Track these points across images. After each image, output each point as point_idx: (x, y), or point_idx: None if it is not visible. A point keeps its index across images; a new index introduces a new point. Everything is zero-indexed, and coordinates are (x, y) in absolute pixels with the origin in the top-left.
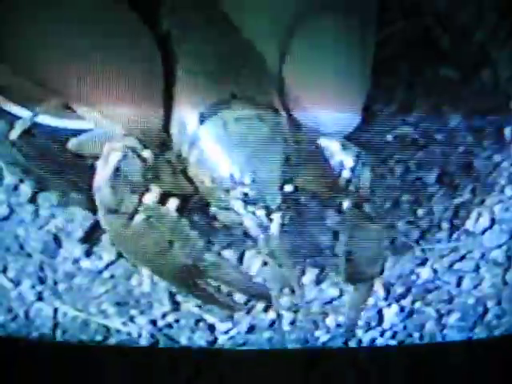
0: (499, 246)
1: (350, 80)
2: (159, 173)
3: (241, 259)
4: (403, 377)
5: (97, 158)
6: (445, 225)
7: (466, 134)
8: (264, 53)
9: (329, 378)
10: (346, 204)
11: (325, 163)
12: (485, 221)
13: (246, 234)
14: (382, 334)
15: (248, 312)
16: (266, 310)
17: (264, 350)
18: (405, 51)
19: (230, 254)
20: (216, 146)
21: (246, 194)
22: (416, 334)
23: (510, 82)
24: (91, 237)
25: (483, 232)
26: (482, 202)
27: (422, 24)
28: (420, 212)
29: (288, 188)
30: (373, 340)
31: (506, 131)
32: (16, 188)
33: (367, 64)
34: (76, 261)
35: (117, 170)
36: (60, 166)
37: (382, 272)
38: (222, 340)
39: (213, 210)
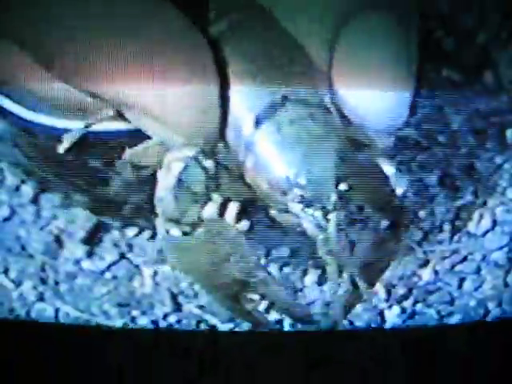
0: (500, 248)
1: (397, 76)
2: (219, 181)
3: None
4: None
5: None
6: (446, 227)
7: (467, 135)
8: (311, 52)
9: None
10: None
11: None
12: (486, 223)
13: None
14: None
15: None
16: (267, 311)
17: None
18: None
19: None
20: (271, 149)
21: (302, 196)
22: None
23: None
24: (93, 238)
25: (485, 234)
26: (484, 203)
27: (424, 26)
28: (422, 214)
29: (343, 186)
30: (373, 342)
31: (508, 133)
32: (18, 189)
33: (414, 60)
34: (77, 261)
35: (179, 180)
36: (62, 167)
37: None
38: (224, 340)
39: (272, 213)
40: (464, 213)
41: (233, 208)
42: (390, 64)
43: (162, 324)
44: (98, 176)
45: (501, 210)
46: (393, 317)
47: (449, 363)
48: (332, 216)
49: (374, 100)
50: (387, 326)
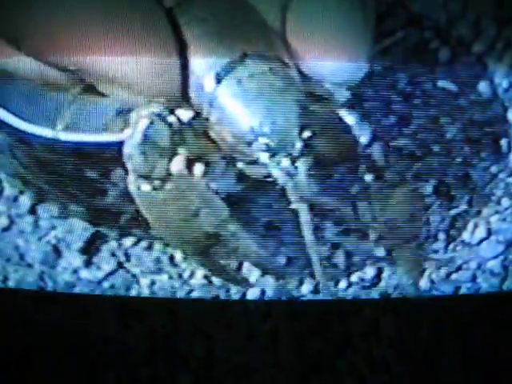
0: (495, 257)
1: (353, 31)
2: (184, 136)
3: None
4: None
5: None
6: (441, 236)
7: (462, 145)
8: (264, 10)
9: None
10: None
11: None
12: (481, 232)
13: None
14: (378, 343)
15: (246, 321)
16: (264, 319)
17: None
18: (403, 62)
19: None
20: (234, 103)
21: (267, 145)
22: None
23: (507, 93)
24: (91, 247)
25: (480, 243)
26: (479, 212)
27: (420, 36)
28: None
29: (306, 134)
30: (369, 349)
31: (503, 142)
32: (16, 199)
33: (370, 16)
34: (75, 271)
35: (145, 136)
36: (59, 178)
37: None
38: (220, 349)
39: (239, 165)
40: (459, 222)
41: (199, 167)
42: (344, 20)
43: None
44: (95, 186)
45: (496, 219)
46: (388, 325)
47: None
48: (300, 163)
49: (329, 57)
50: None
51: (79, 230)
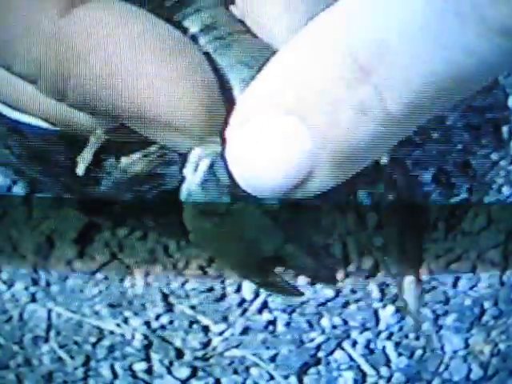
0: (495, 247)
1: None
2: None
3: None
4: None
5: None
6: (441, 224)
7: (462, 132)
8: None
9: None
10: None
11: None
12: (481, 220)
13: None
14: (377, 335)
15: (242, 313)
16: (260, 311)
17: None
18: None
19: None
20: None
21: None
22: (412, 335)
23: (508, 80)
24: (84, 238)
25: (479, 232)
26: (479, 201)
27: None
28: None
29: None
30: (368, 341)
31: (504, 129)
32: (9, 189)
33: None
34: (69, 262)
35: (208, 175)
36: (52, 167)
37: None
38: (216, 341)
39: None
40: (459, 210)
41: None
42: None
43: (154, 325)
44: (88, 176)
45: (496, 208)
46: (387, 316)
47: None
48: None
49: None
50: (382, 327)
51: (72, 220)
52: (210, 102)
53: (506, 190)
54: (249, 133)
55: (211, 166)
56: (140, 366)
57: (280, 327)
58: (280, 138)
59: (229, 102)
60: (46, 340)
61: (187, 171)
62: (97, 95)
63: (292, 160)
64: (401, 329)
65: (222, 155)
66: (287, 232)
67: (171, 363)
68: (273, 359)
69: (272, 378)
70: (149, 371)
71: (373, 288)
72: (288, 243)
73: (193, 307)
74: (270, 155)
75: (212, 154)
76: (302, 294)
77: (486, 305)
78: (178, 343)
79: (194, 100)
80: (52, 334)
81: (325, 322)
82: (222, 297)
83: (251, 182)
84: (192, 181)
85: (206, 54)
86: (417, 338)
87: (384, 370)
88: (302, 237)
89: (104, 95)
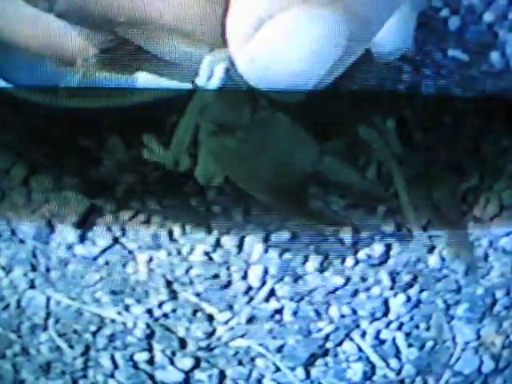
0: (508, 234)
1: None
2: None
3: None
4: None
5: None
6: None
7: (473, 117)
8: None
9: None
10: None
11: None
12: (493, 207)
13: None
14: (387, 326)
15: (248, 302)
16: (267, 299)
17: None
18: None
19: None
20: None
21: None
22: (423, 325)
23: None
24: (86, 222)
25: (492, 219)
26: (490, 187)
27: (429, 4)
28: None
29: None
30: (378, 332)
31: None
32: (8, 171)
33: None
34: (70, 247)
35: (226, 80)
36: (52, 147)
37: None
38: (221, 331)
39: None
40: (470, 197)
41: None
42: None
43: (157, 313)
44: (90, 156)
45: (508, 194)
46: (398, 305)
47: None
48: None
49: None
50: (392, 316)
51: (74, 203)
52: (217, 7)
53: None
54: (279, 27)
55: (227, 71)
56: (141, 357)
57: (287, 316)
58: (315, 29)
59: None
60: (45, 328)
61: (201, 80)
62: None
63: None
64: (411, 319)
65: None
66: (324, 143)
67: (174, 353)
68: (279, 350)
69: (278, 369)
70: (150, 362)
71: (383, 276)
72: (327, 155)
73: (197, 294)
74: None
75: (225, 59)
76: (351, 224)
77: (498, 294)
78: (181, 333)
79: (201, 4)
80: (51, 322)
81: (333, 311)
82: (228, 284)
83: (277, 77)
84: (208, 90)
85: None
86: (428, 329)
87: (394, 362)
88: (340, 148)
89: None
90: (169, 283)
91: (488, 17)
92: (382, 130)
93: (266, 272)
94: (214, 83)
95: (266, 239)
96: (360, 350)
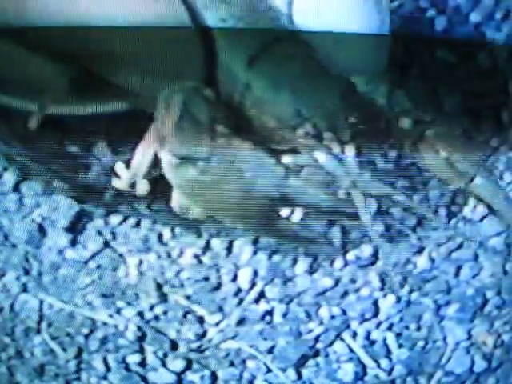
0: (498, 234)
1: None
2: (222, 114)
3: None
4: None
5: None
6: (442, 212)
7: (462, 117)
8: None
9: None
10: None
11: None
12: (483, 208)
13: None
14: (377, 326)
15: (239, 303)
16: (257, 301)
17: None
18: (400, 33)
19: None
20: (275, 85)
21: (315, 129)
22: (413, 326)
23: (507, 64)
24: (76, 226)
25: (482, 219)
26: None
27: (417, 5)
28: (416, 198)
29: (352, 119)
30: (368, 332)
31: (504, 115)
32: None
33: None
34: (61, 251)
35: (184, 111)
36: (41, 153)
37: None
38: (212, 333)
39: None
40: (460, 198)
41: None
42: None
43: (148, 316)
44: (78, 162)
45: None
46: (387, 306)
47: None
48: (349, 148)
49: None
50: (382, 317)
51: (64, 207)
52: (185, 44)
53: (507, 176)
54: None
55: (185, 102)
56: (133, 359)
57: (277, 318)
58: None
59: (206, 42)
60: (38, 331)
61: (159, 113)
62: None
63: None
64: (401, 319)
65: (197, 89)
66: (289, 165)
67: (165, 355)
68: (270, 351)
69: (269, 370)
70: (142, 364)
71: (373, 277)
72: (292, 177)
73: (188, 297)
74: None
75: (184, 90)
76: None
77: (489, 294)
78: (172, 335)
79: (166, 41)
80: (44, 325)
81: (323, 312)
82: (218, 286)
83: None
84: (168, 122)
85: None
86: (418, 329)
87: (385, 362)
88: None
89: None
90: (159, 286)
91: None
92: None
93: (255, 274)
94: (173, 113)
95: (254, 242)
96: (351, 350)
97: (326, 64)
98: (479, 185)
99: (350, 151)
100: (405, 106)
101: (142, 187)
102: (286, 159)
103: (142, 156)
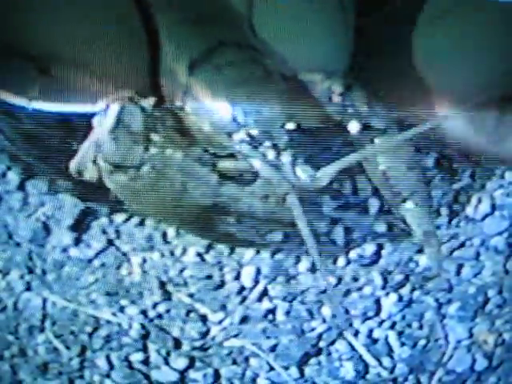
0: (500, 233)
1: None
2: (158, 122)
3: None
4: None
5: None
6: (444, 210)
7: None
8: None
9: None
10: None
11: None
12: (485, 207)
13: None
14: (379, 325)
15: (241, 302)
16: (259, 299)
17: None
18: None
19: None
20: (212, 91)
21: (251, 136)
22: (415, 324)
23: None
24: (81, 224)
25: (483, 218)
26: (482, 187)
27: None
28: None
29: (290, 126)
30: (370, 331)
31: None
32: (4, 175)
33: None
34: (65, 249)
35: (118, 121)
36: (48, 152)
37: None
38: (215, 331)
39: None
40: (462, 196)
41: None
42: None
43: (151, 314)
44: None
45: (500, 194)
46: (389, 305)
47: None
48: (285, 155)
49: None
50: (384, 316)
51: (68, 206)
52: (128, 51)
53: (508, 176)
54: None
55: (120, 111)
56: (137, 357)
57: (280, 316)
58: None
59: (152, 48)
60: (42, 330)
61: (96, 119)
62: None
63: None
64: (403, 318)
65: (134, 100)
66: (222, 175)
67: (168, 353)
68: (273, 349)
69: (272, 368)
70: (146, 362)
71: (375, 276)
72: (226, 185)
73: (191, 295)
74: None
75: (124, 98)
76: (261, 242)
77: (490, 293)
78: (175, 333)
79: (111, 48)
80: (47, 323)
81: (325, 310)
82: (221, 284)
83: None
84: (102, 129)
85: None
86: (420, 328)
87: (386, 361)
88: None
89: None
90: (162, 284)
91: None
92: None
93: (258, 272)
94: (108, 121)
95: None
96: (353, 348)
97: (282, 64)
98: (408, 209)
99: (286, 158)
100: (359, 108)
101: (90, 173)
102: (223, 165)
103: (87, 146)
